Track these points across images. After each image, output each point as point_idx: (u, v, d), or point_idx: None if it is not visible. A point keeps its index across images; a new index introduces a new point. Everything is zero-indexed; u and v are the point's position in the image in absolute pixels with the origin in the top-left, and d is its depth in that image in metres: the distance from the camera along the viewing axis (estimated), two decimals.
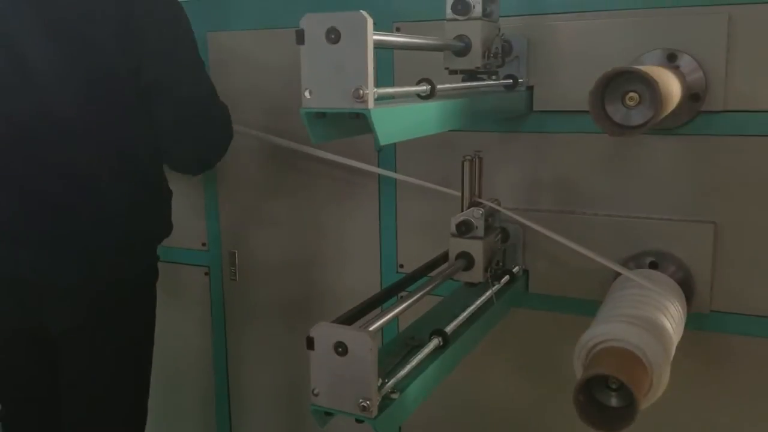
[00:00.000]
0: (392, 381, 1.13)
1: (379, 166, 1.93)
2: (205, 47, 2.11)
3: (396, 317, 1.20)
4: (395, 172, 1.92)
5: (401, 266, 1.98)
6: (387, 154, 1.94)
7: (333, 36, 0.98)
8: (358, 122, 1.02)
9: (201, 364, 2.36)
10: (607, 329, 1.18)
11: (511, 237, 1.74)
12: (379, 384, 1.08)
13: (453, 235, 1.59)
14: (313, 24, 1.00)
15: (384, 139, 1.02)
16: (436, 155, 1.85)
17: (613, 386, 1.13)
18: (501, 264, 1.72)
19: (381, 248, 2.01)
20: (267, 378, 2.27)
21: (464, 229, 1.57)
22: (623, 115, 1.10)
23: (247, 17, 2.07)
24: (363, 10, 1.88)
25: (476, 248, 1.56)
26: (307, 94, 1.02)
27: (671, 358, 1.26)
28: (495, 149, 1.77)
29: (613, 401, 1.13)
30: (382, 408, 1.08)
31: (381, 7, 1.85)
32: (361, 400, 1.05)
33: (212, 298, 2.29)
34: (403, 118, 1.08)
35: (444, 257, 1.63)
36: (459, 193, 1.62)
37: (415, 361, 1.20)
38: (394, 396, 1.12)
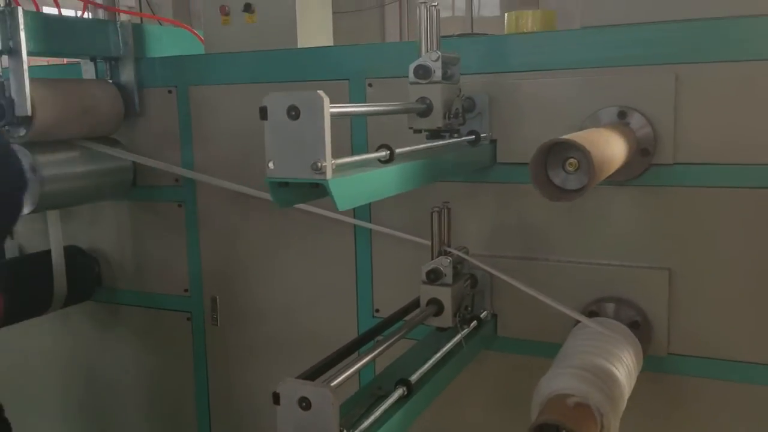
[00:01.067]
0: None
1: (354, 216, 2.00)
2: (186, 98, 2.20)
3: (369, 363, 1.28)
4: (370, 221, 2.00)
5: (377, 310, 2.05)
6: (361, 205, 2.02)
7: (293, 113, 1.07)
8: (319, 189, 1.10)
9: (184, 406, 2.40)
10: (560, 382, 1.25)
11: (480, 283, 1.81)
12: None
13: (423, 282, 1.67)
14: (276, 102, 1.08)
15: (342, 205, 1.10)
16: (408, 205, 1.92)
17: None
18: (470, 309, 1.79)
19: (357, 293, 2.07)
20: (249, 420, 2.32)
21: (433, 276, 1.66)
22: (562, 180, 1.19)
23: (223, 73, 2.16)
24: (338, 68, 1.99)
25: (445, 295, 1.64)
26: (271, 164, 1.10)
27: (623, 405, 1.33)
28: (462, 198, 1.85)
29: None
30: None
31: (355, 65, 1.95)
32: None
33: (194, 342, 2.34)
34: (361, 184, 1.16)
35: (417, 302, 1.70)
36: (429, 242, 1.71)
37: (378, 412, 1.26)
38: None
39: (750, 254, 1.61)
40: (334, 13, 2.32)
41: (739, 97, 1.57)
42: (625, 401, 1.35)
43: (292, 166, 1.08)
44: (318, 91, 1.06)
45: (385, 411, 1.28)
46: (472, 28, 7.70)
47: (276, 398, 1.14)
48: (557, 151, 1.20)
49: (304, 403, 1.11)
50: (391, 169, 1.26)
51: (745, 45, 1.55)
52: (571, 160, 1.17)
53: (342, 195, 1.09)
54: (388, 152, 1.24)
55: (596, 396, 1.19)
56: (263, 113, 1.09)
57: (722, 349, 1.66)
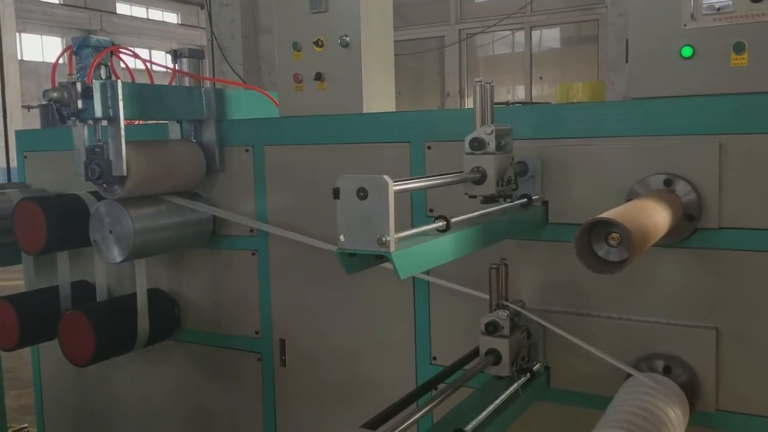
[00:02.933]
0: None
1: None
2: (262, 157, 2.41)
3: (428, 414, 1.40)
4: (428, 273, 2.13)
5: (434, 358, 2.17)
6: None
7: (362, 194, 1.22)
8: (383, 259, 1.25)
9: None
10: None
11: (533, 336, 1.92)
12: None
13: (482, 334, 1.80)
14: (347, 183, 1.24)
15: (404, 274, 1.25)
16: (465, 260, 2.03)
17: None
18: (526, 359, 1.90)
19: (416, 342, 2.20)
20: None
21: (492, 328, 1.79)
22: (606, 252, 1.30)
23: (295, 135, 2.35)
24: (400, 132, 2.15)
25: (503, 345, 1.77)
26: (341, 237, 1.26)
27: None
28: (516, 255, 1.97)
29: None
30: None
31: (415, 129, 2.11)
32: None
33: (263, 381, 2.51)
34: (420, 254, 1.30)
35: (474, 353, 1.83)
36: (486, 296, 1.83)
37: None
38: None
39: None
40: (397, 55, 2.47)
41: None
42: None
43: (360, 239, 1.23)
44: (384, 176, 1.21)
45: None
46: (531, 96, 7.83)
47: None
48: (601, 226, 1.31)
49: None
50: (448, 238, 1.40)
51: None
52: (614, 235, 1.28)
53: (403, 265, 1.24)
54: (445, 223, 1.38)
55: None
56: (336, 193, 1.25)
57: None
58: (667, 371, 1.75)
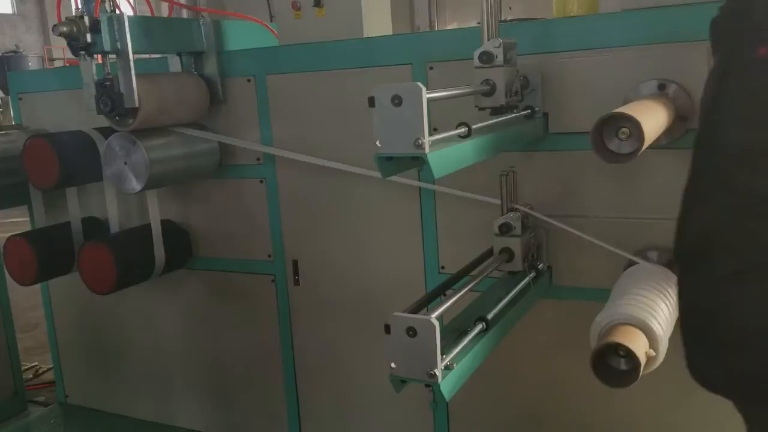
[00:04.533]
0: (450, 356, 1.48)
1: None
2: (264, 86, 2.48)
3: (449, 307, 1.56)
4: (434, 185, 2.26)
5: (443, 267, 2.32)
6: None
7: (397, 101, 1.33)
8: (415, 161, 1.37)
9: (270, 358, 2.71)
10: (615, 312, 1.52)
11: (537, 239, 2.08)
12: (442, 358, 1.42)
13: (496, 235, 1.98)
14: (382, 92, 1.35)
15: (438, 173, 1.37)
16: (470, 171, 2.16)
17: (622, 353, 1.46)
18: (536, 256, 2.07)
19: (424, 252, 2.35)
20: (330, 369, 2.62)
21: (505, 229, 1.96)
22: (617, 146, 1.44)
23: (297, 63, 2.42)
24: (402, 54, 2.23)
25: (515, 244, 1.96)
26: (378, 143, 1.37)
27: (669, 332, 1.59)
28: (520, 164, 2.10)
29: (623, 365, 1.46)
30: (444, 375, 1.42)
31: (417, 51, 2.20)
32: (428, 370, 1.40)
33: (278, 301, 2.65)
34: (450, 157, 1.43)
35: (483, 257, 1.99)
36: (499, 201, 1.99)
37: (464, 342, 1.54)
38: (452, 366, 1.46)
39: None
40: None
41: None
42: (672, 325, 1.60)
43: (397, 143, 1.34)
44: (417, 83, 1.32)
45: (469, 342, 1.56)
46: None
47: (387, 329, 1.42)
48: (611, 122, 1.44)
49: (411, 332, 1.39)
50: (470, 143, 1.52)
51: None
52: (624, 129, 1.41)
53: (437, 165, 1.36)
54: (467, 129, 1.50)
55: (647, 319, 1.45)
56: (371, 102, 1.35)
57: None
58: (660, 260, 1.92)
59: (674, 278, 1.79)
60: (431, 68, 2.20)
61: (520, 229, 1.96)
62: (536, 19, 2.26)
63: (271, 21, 3.04)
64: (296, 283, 2.60)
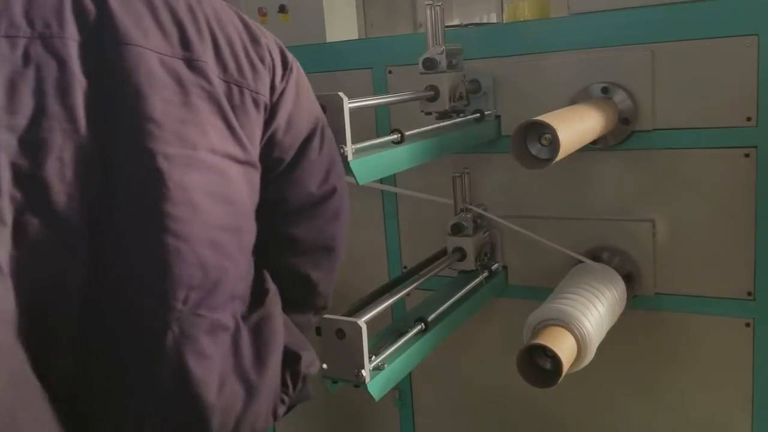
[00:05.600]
0: (382, 357, 1.52)
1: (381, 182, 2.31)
2: None
3: (400, 302, 1.61)
4: (395, 187, 2.30)
5: (405, 267, 2.36)
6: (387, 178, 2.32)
7: (322, 108, 1.37)
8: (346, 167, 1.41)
9: None
10: (543, 312, 1.55)
11: (491, 238, 2.11)
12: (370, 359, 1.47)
13: (449, 235, 2.01)
14: None
15: (362, 180, 1.42)
16: (431, 174, 2.19)
17: (548, 353, 1.50)
18: (488, 255, 2.11)
19: (387, 253, 2.39)
20: None
21: (456, 229, 2.01)
22: (537, 150, 1.47)
23: None
24: (362, 59, 2.29)
25: (467, 243, 2.01)
26: None
27: (601, 332, 1.63)
28: (475, 167, 2.13)
29: (548, 365, 1.50)
30: (373, 376, 1.47)
31: (376, 56, 2.24)
32: (356, 370, 1.45)
33: None
34: (376, 163, 1.47)
35: (434, 258, 2.03)
36: (451, 202, 2.03)
37: (399, 343, 1.59)
38: (382, 367, 1.51)
39: (714, 203, 1.86)
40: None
41: (706, 70, 1.81)
42: (605, 326, 1.64)
43: None
44: (339, 93, 1.36)
45: (405, 342, 1.61)
46: (503, 20, 7.75)
47: (318, 331, 1.47)
48: (536, 128, 1.48)
49: (340, 334, 1.44)
50: (403, 149, 1.56)
51: (708, 25, 1.79)
52: (546, 135, 1.45)
53: (361, 171, 1.40)
54: (399, 135, 1.54)
55: (576, 319, 1.49)
56: None
57: (698, 287, 1.93)
58: (610, 261, 1.95)
59: (616, 277, 1.84)
60: (390, 72, 2.24)
61: (471, 229, 2.00)
62: (489, 23, 2.29)
63: None
64: None
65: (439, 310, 1.77)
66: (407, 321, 1.73)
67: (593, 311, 1.61)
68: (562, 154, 1.41)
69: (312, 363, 1.22)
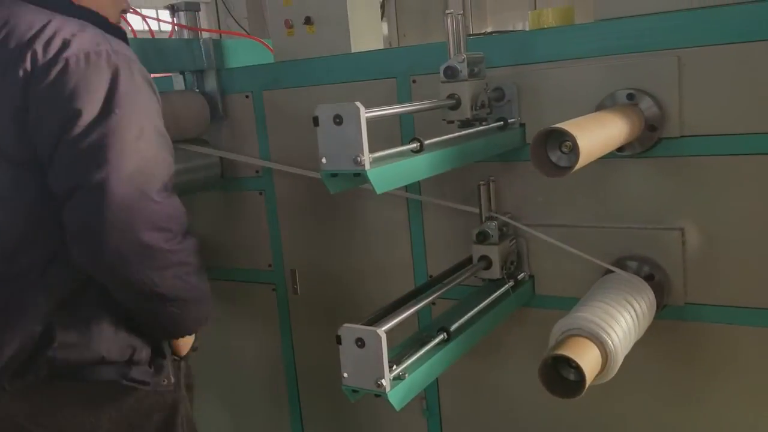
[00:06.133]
0: (403, 366, 1.51)
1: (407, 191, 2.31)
2: (261, 102, 2.56)
3: (426, 310, 1.60)
4: (420, 195, 2.30)
5: (431, 276, 2.35)
6: (413, 184, 2.32)
7: (338, 120, 1.38)
8: (361, 177, 1.42)
9: (273, 366, 2.79)
10: (568, 322, 1.53)
11: (518, 248, 2.09)
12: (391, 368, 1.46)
13: (474, 243, 2.01)
14: (324, 112, 1.40)
15: (380, 189, 1.42)
16: (458, 183, 2.19)
17: (572, 364, 1.47)
18: (515, 264, 2.10)
19: (413, 261, 2.39)
20: (333, 373, 2.67)
21: (482, 237, 2.00)
22: (557, 158, 1.45)
23: (290, 79, 2.49)
24: (386, 69, 2.30)
25: (493, 252, 2.00)
26: (323, 160, 1.42)
27: (628, 344, 1.59)
28: (500, 175, 2.12)
29: (572, 376, 1.47)
30: (393, 385, 1.46)
31: (400, 65, 2.24)
32: (377, 380, 1.44)
33: (279, 309, 2.73)
34: (393, 172, 1.47)
35: (459, 266, 2.02)
36: (476, 210, 2.02)
37: (420, 353, 1.58)
38: (404, 377, 1.50)
39: (746, 210, 1.81)
40: None
41: (735, 75, 1.76)
42: (633, 337, 1.60)
43: (339, 160, 1.39)
44: (356, 102, 1.37)
45: (426, 352, 1.60)
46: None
47: (338, 339, 1.47)
48: (556, 135, 1.46)
49: (360, 342, 1.44)
50: (422, 157, 1.56)
51: (737, 29, 1.75)
52: (567, 143, 1.43)
53: (378, 181, 1.40)
54: (419, 144, 1.54)
55: (602, 330, 1.46)
56: (315, 121, 1.41)
57: (732, 297, 1.88)
58: (639, 271, 1.91)
59: (644, 287, 1.80)
60: (414, 81, 2.24)
61: (497, 237, 1.99)
62: (513, 31, 2.27)
63: None
64: (295, 291, 2.67)
65: (462, 319, 1.76)
66: (430, 330, 1.72)
67: (620, 322, 1.57)
68: (582, 161, 1.39)
69: None
